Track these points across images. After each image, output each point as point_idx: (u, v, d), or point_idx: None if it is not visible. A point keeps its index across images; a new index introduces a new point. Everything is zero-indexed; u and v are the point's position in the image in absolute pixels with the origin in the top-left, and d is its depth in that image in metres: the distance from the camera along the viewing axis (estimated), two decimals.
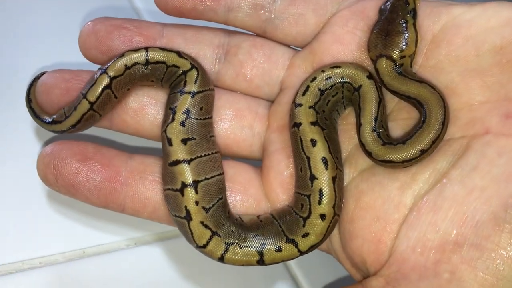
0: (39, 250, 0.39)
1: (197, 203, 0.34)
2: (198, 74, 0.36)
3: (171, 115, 0.35)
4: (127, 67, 0.36)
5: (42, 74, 0.38)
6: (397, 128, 0.35)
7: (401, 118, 0.35)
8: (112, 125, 0.38)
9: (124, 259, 0.40)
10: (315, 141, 0.34)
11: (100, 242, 0.40)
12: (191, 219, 0.34)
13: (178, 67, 0.36)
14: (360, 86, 0.35)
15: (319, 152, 0.34)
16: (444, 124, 0.32)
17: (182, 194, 0.34)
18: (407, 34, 0.34)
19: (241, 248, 0.34)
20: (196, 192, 0.34)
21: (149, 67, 0.36)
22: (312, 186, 0.34)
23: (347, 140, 0.36)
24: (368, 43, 0.35)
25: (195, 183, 0.34)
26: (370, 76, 0.35)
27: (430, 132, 0.32)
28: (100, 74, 0.36)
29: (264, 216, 0.36)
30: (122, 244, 0.41)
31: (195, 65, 0.36)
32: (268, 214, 0.36)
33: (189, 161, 0.34)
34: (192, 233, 0.34)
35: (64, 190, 0.35)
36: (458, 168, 0.31)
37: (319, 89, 0.35)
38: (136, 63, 0.36)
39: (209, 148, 0.35)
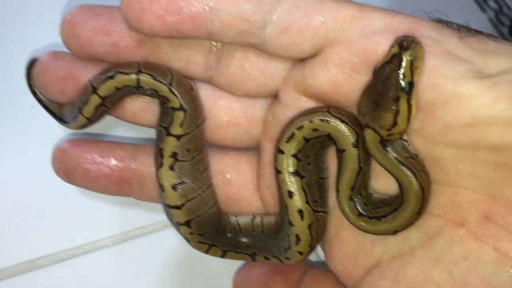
0: (90, 236, 0.44)
1: (191, 233, 0.37)
2: (185, 116, 0.35)
3: (159, 159, 0.36)
4: (117, 88, 0.36)
5: (35, 60, 0.37)
6: (380, 176, 0.34)
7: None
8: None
9: (162, 239, 0.44)
10: (292, 193, 0.34)
11: (141, 225, 0.44)
12: (189, 241, 0.38)
13: (168, 99, 0.35)
14: (344, 150, 0.33)
15: (295, 204, 0.35)
16: (420, 214, 0.32)
17: (178, 228, 0.37)
18: (397, 112, 0.30)
19: (236, 254, 0.39)
20: (190, 227, 0.37)
21: (140, 89, 0.36)
22: (290, 229, 0.35)
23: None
24: (358, 106, 0.32)
25: (188, 222, 0.37)
26: (355, 144, 0.33)
27: (404, 218, 0.32)
28: (92, 94, 0.35)
29: (256, 225, 0.38)
30: (159, 226, 0.44)
31: (184, 106, 0.35)
32: (259, 222, 0.38)
33: (179, 207, 0.36)
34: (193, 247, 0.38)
35: (83, 184, 0.39)
36: (425, 249, 0.32)
37: (304, 138, 0.34)
38: (127, 86, 0.35)
39: (199, 187, 0.37)
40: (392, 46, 0.30)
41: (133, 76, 0.35)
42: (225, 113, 0.37)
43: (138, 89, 0.35)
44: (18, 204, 0.43)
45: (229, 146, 0.39)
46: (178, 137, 0.35)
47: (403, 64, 0.29)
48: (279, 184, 0.35)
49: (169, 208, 0.36)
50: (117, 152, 0.38)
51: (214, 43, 0.35)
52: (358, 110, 0.32)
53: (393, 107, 0.30)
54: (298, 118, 0.34)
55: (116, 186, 0.38)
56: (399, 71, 0.29)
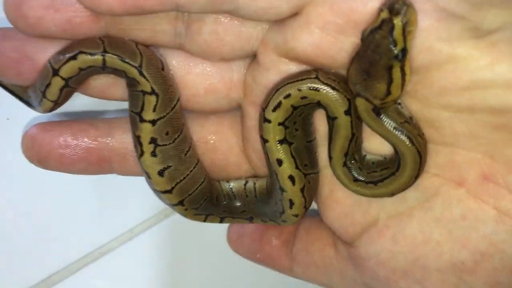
0: (95, 242, 0.43)
1: (186, 209, 0.37)
2: (157, 100, 0.33)
3: (139, 147, 0.34)
4: (81, 69, 0.32)
5: None
6: (372, 136, 0.33)
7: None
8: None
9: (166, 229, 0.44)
10: (281, 160, 0.34)
11: (142, 220, 0.44)
12: (185, 216, 0.38)
13: (138, 82, 0.33)
14: (336, 118, 0.32)
15: (285, 171, 0.34)
16: (417, 177, 0.31)
17: (173, 207, 0.37)
18: (391, 81, 0.28)
19: (234, 219, 0.39)
20: (183, 205, 0.37)
21: (107, 69, 0.33)
22: (282, 195, 0.35)
23: (326, 125, 0.34)
24: (347, 74, 0.30)
25: (181, 201, 0.36)
26: (347, 112, 0.32)
27: (401, 182, 0.32)
28: (53, 76, 0.32)
29: (249, 190, 0.38)
30: (161, 216, 0.44)
31: (156, 89, 0.33)
32: (252, 186, 0.38)
33: (170, 191, 0.35)
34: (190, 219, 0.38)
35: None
36: (423, 209, 0.32)
37: (292, 106, 0.32)
38: (91, 66, 0.32)
39: (186, 168, 0.36)
40: (381, 10, 0.27)
41: (98, 57, 0.32)
42: (201, 80, 0.35)
43: (104, 69, 0.33)
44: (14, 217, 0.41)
45: (209, 112, 0.37)
46: (153, 122, 0.33)
47: (395, 30, 0.27)
48: (267, 152, 0.34)
49: (159, 192, 0.36)
50: (91, 132, 0.36)
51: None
52: (348, 78, 0.30)
53: (386, 76, 0.28)
54: (284, 85, 0.32)
55: (95, 166, 0.37)
56: (391, 38, 0.27)
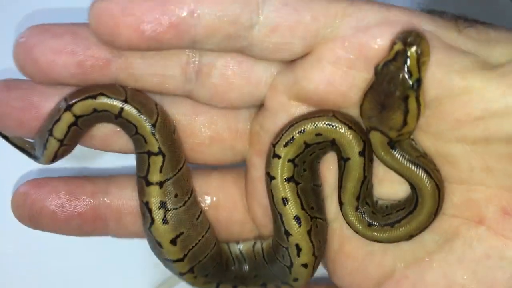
0: None
1: (195, 277, 0.35)
2: (163, 161, 0.33)
3: (148, 215, 0.33)
4: (95, 110, 0.32)
5: None
6: (385, 181, 0.33)
7: (397, 181, 0.32)
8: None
9: None
10: (287, 199, 0.32)
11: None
12: (193, 285, 0.36)
13: (146, 142, 0.33)
14: (349, 159, 0.31)
15: (290, 210, 0.32)
16: (436, 214, 0.30)
17: (182, 276, 0.35)
18: (407, 111, 0.28)
19: (247, 287, 0.37)
20: (193, 272, 0.35)
21: (119, 119, 0.32)
22: (288, 240, 0.33)
23: (335, 172, 0.33)
24: (361, 109, 0.30)
25: (191, 268, 0.35)
26: (362, 153, 0.31)
27: (420, 221, 0.30)
28: (65, 111, 0.32)
29: (257, 252, 0.36)
30: None
31: (163, 150, 0.32)
32: (260, 249, 0.36)
33: (182, 259, 0.34)
34: None
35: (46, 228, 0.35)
36: (443, 253, 0.30)
37: (304, 142, 0.32)
38: (106, 111, 0.32)
39: (198, 234, 0.34)
40: (395, 43, 0.28)
41: (117, 104, 0.32)
42: (206, 128, 0.34)
43: (116, 119, 0.32)
44: None
45: (213, 164, 0.36)
46: (160, 184, 0.33)
47: (410, 60, 0.27)
48: (272, 191, 0.32)
49: (170, 262, 0.34)
50: (88, 188, 0.35)
51: (192, 55, 0.32)
52: (361, 113, 0.30)
53: (402, 107, 0.28)
54: (300, 120, 0.32)
55: (91, 225, 0.35)
56: (406, 69, 0.28)
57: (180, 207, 0.33)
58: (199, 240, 0.34)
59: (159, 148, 0.32)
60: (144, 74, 0.32)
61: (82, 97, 0.31)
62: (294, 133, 0.31)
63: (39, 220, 0.34)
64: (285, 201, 0.32)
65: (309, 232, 0.32)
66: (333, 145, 0.31)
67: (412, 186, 0.31)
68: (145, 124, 0.32)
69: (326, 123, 0.31)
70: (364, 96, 0.30)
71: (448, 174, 0.30)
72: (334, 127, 0.31)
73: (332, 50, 0.30)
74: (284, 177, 0.32)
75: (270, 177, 0.32)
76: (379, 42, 0.29)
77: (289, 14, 0.29)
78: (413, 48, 0.27)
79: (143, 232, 0.35)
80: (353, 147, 0.31)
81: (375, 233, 0.32)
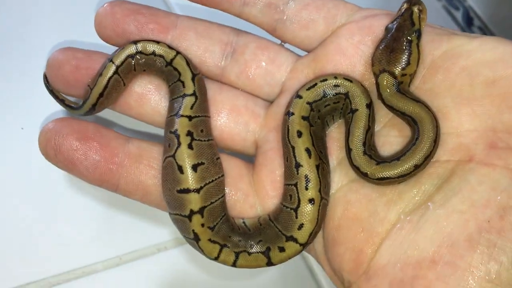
0: (80, 260, 0.43)
1: (202, 225, 0.36)
2: (195, 101, 0.37)
3: (176, 139, 0.36)
4: (154, 53, 0.38)
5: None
6: (386, 144, 0.36)
7: (392, 135, 0.36)
8: (116, 106, 0.40)
9: (157, 263, 0.44)
10: (301, 133, 0.36)
11: (134, 249, 0.43)
12: (199, 239, 0.36)
13: (184, 86, 0.38)
14: (357, 110, 0.36)
15: (303, 143, 0.36)
16: (436, 142, 0.34)
17: (190, 220, 0.36)
18: (410, 53, 0.35)
19: (249, 254, 0.37)
20: (202, 216, 0.36)
21: (168, 68, 0.38)
22: (298, 173, 0.36)
23: (340, 148, 0.37)
24: (373, 57, 0.36)
25: (202, 209, 0.35)
26: (369, 105, 0.36)
27: (422, 149, 0.34)
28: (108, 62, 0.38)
29: (263, 219, 0.38)
30: (153, 249, 0.44)
31: (197, 93, 0.37)
32: (266, 216, 0.38)
33: (198, 190, 0.35)
34: (202, 250, 0.36)
35: (62, 165, 0.37)
36: (441, 192, 0.32)
37: (323, 91, 0.37)
38: (162, 56, 0.38)
39: (216, 172, 0.37)
40: (402, 5, 0.37)
41: (172, 52, 0.38)
42: (227, 100, 0.39)
43: (166, 66, 0.38)
44: (5, 228, 0.42)
45: (225, 137, 0.40)
46: (190, 117, 0.37)
47: (413, 14, 0.36)
48: (289, 126, 0.37)
49: (186, 192, 0.35)
50: (105, 138, 0.38)
51: (232, 37, 0.40)
52: (373, 59, 0.36)
53: (407, 49, 0.35)
54: (321, 75, 0.38)
55: (105, 165, 0.37)
56: (410, 20, 0.36)
57: (204, 140, 0.37)
58: (216, 179, 0.36)
59: (194, 91, 0.37)
60: (193, 44, 0.39)
61: (144, 39, 0.38)
62: (317, 81, 0.37)
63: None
64: (299, 133, 0.36)
65: (317, 167, 0.36)
66: (346, 98, 0.37)
67: (412, 122, 0.35)
68: (188, 72, 0.38)
69: (344, 77, 0.37)
70: (376, 45, 0.37)
71: (441, 125, 0.34)
72: (350, 81, 0.37)
73: (348, 29, 0.38)
74: (302, 115, 0.37)
75: (289, 114, 0.37)
76: (384, 26, 0.37)
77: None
78: (416, 7, 0.36)
79: (143, 200, 0.38)
80: (362, 100, 0.36)
81: (384, 169, 0.34)
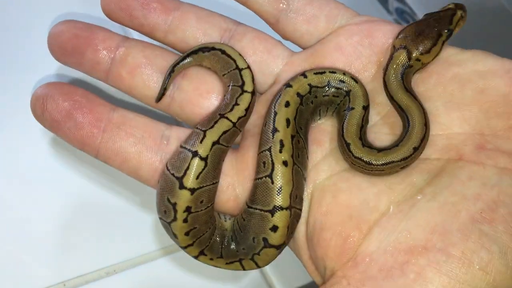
0: (71, 271, 0.41)
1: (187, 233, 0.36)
2: (203, 168, 0.35)
3: (173, 213, 0.35)
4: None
5: None
6: (376, 141, 0.37)
7: (383, 132, 0.37)
8: (107, 78, 0.39)
9: (147, 272, 0.43)
10: (289, 104, 0.36)
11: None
12: (178, 243, 0.36)
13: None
14: (353, 109, 0.36)
15: (286, 113, 0.36)
16: (427, 126, 0.35)
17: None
18: (435, 44, 0.36)
19: (226, 264, 0.37)
20: (186, 221, 0.35)
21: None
22: (273, 138, 0.35)
23: (331, 140, 0.37)
24: (401, 30, 0.37)
25: (188, 232, 0.36)
26: (365, 107, 0.36)
27: (417, 133, 0.34)
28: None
29: (244, 211, 0.36)
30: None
31: (202, 156, 0.35)
32: (245, 205, 0.36)
33: (187, 233, 0.36)
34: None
35: (48, 124, 0.38)
36: (432, 186, 0.33)
37: (329, 81, 0.37)
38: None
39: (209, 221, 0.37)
40: (449, 4, 0.38)
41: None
42: (219, 85, 0.40)
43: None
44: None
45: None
46: (192, 191, 0.35)
47: (455, 16, 0.37)
48: (281, 94, 0.37)
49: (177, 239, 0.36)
50: (91, 103, 0.38)
51: (232, 26, 0.40)
52: (399, 32, 0.37)
53: (434, 39, 0.36)
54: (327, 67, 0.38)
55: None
56: (450, 18, 0.37)
57: (202, 210, 0.35)
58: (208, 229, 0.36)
59: (199, 156, 0.35)
60: (192, 26, 0.39)
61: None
62: (326, 70, 0.38)
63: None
64: (287, 104, 0.36)
65: (292, 137, 0.35)
66: (346, 96, 0.37)
67: (401, 110, 0.36)
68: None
69: (352, 76, 0.37)
70: (410, 24, 0.38)
71: (431, 127, 0.35)
72: (356, 82, 0.37)
73: (348, 30, 0.38)
74: (298, 91, 0.37)
75: (287, 85, 0.37)
76: (382, 33, 0.38)
77: None
78: (461, 11, 0.38)
79: (121, 167, 0.38)
80: (360, 101, 0.37)
81: (388, 156, 0.34)
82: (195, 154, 0.34)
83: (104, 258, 0.42)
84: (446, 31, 0.37)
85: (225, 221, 0.38)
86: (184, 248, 0.36)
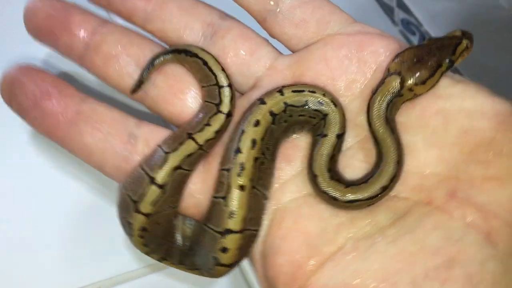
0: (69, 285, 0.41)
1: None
2: (161, 196, 0.34)
3: (129, 229, 0.34)
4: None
5: None
6: (349, 167, 0.35)
7: (357, 159, 0.35)
8: (82, 64, 0.38)
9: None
10: (259, 123, 0.34)
11: (112, 275, 0.42)
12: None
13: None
14: (326, 136, 0.35)
15: (254, 132, 0.34)
16: (400, 164, 0.33)
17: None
18: (432, 75, 0.34)
19: (188, 269, 0.37)
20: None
21: None
22: (234, 158, 0.34)
23: (303, 158, 0.35)
24: (399, 53, 0.35)
25: (146, 244, 0.35)
26: (339, 136, 0.34)
27: (389, 170, 0.33)
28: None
29: (199, 225, 0.36)
30: (132, 275, 0.43)
31: (160, 184, 0.34)
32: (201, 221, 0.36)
33: (145, 245, 0.35)
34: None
35: (16, 109, 0.37)
36: (395, 227, 0.32)
37: (306, 101, 0.35)
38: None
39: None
40: (456, 31, 0.35)
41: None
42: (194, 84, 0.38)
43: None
44: None
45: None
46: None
47: (460, 45, 0.34)
48: (253, 110, 0.35)
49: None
50: (61, 92, 0.37)
51: (216, 20, 0.37)
52: (399, 55, 0.34)
53: (432, 69, 0.33)
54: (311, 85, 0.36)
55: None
56: (453, 48, 0.34)
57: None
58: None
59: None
60: (174, 15, 0.37)
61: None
62: (306, 88, 0.35)
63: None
64: (257, 123, 0.34)
65: (256, 159, 0.33)
66: (322, 119, 0.35)
67: (375, 141, 0.34)
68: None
69: (332, 99, 0.35)
70: (410, 47, 0.35)
71: (406, 162, 0.33)
72: (335, 106, 0.35)
73: (337, 40, 0.36)
74: (271, 110, 0.35)
75: (261, 101, 0.35)
76: (374, 48, 0.35)
77: (315, 0, 0.37)
78: (467, 41, 0.35)
79: (87, 160, 0.37)
80: (336, 128, 0.34)
81: (354, 193, 0.33)
82: (152, 180, 0.33)
83: (93, 273, 0.42)
84: (447, 61, 0.34)
85: (188, 226, 0.37)
86: (146, 254, 0.35)
